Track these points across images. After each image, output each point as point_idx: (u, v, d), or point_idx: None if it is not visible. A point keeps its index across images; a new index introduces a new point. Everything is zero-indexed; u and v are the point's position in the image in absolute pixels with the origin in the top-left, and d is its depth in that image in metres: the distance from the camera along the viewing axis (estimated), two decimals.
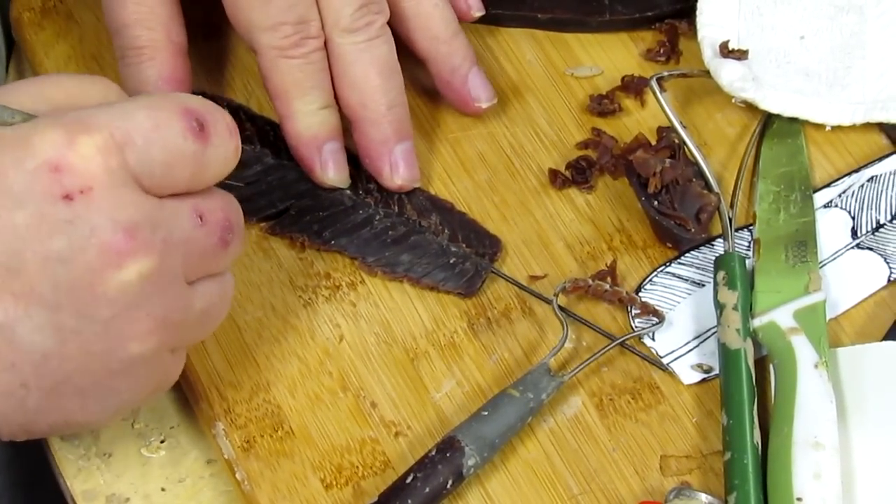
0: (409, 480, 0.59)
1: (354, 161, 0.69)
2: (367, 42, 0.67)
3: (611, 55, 0.75)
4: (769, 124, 0.71)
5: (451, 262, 0.67)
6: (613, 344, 0.64)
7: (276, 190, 0.69)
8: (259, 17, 0.65)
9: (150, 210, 0.51)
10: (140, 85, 0.67)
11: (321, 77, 0.67)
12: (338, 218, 0.68)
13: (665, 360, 0.64)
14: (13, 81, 0.58)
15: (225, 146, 0.55)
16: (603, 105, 0.72)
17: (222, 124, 0.54)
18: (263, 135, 0.71)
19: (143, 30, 0.67)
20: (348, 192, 0.68)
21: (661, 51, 0.74)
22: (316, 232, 0.68)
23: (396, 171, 0.68)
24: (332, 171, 0.68)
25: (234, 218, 0.56)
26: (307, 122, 0.67)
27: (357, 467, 0.62)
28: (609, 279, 0.66)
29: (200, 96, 0.55)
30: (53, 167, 0.50)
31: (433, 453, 0.60)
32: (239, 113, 0.71)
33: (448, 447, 0.60)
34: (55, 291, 0.50)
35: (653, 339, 0.65)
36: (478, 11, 0.72)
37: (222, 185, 0.57)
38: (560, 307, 0.65)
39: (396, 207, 0.69)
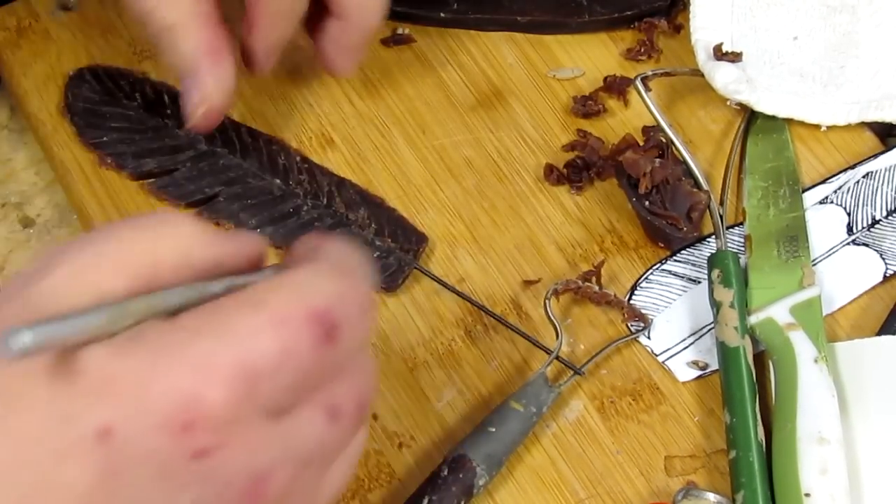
0: (424, 503, 0.58)
1: (288, 152, 0.70)
2: None
3: (591, 55, 0.75)
4: (753, 120, 0.72)
5: (375, 255, 0.67)
6: (599, 350, 0.64)
7: (206, 176, 0.69)
8: None
9: (283, 441, 0.44)
10: (182, 64, 0.64)
11: None
12: (266, 206, 0.68)
13: (661, 358, 0.64)
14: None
15: (361, 330, 0.46)
16: (588, 106, 0.72)
17: (354, 309, 0.45)
18: None
19: (167, 9, 0.63)
20: (278, 181, 0.69)
21: (642, 49, 0.75)
22: (243, 220, 0.68)
23: None
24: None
25: (367, 397, 0.47)
26: None
27: (363, 480, 0.61)
28: (594, 279, 0.66)
29: (327, 269, 0.45)
30: (182, 426, 0.41)
31: (445, 473, 0.59)
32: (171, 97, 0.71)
33: (460, 467, 0.59)
34: None
35: (648, 337, 0.65)
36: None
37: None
38: (503, 323, 0.65)
39: (325, 199, 0.69)
